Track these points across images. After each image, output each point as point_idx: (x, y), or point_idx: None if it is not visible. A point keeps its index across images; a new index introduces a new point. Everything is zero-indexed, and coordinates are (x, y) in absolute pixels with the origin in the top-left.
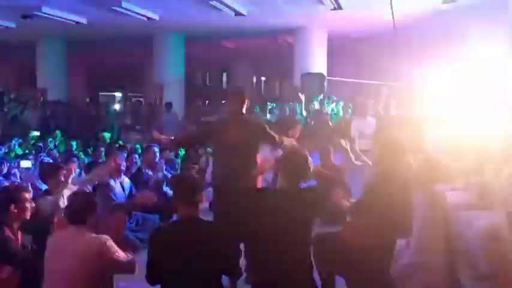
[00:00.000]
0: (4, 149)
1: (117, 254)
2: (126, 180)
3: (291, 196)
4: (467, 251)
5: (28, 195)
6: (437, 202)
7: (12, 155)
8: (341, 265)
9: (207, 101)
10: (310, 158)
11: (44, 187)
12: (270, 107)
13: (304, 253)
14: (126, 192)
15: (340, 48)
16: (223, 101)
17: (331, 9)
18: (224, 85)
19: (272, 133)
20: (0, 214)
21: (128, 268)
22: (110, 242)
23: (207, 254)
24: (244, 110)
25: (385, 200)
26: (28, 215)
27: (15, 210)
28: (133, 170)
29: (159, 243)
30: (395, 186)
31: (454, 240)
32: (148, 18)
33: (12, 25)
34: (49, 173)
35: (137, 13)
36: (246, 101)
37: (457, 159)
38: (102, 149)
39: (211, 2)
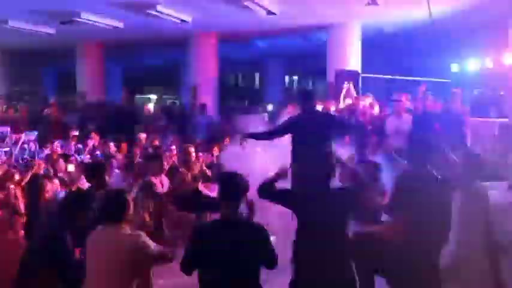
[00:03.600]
0: (46, 151)
1: (151, 248)
2: (165, 179)
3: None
4: None
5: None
6: (478, 200)
7: (55, 156)
8: (381, 265)
9: (239, 101)
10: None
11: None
12: None
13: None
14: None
15: (375, 44)
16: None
17: (366, 5)
18: (257, 85)
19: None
20: (70, 219)
21: (164, 259)
22: (144, 238)
23: (246, 253)
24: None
25: (418, 199)
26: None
27: (82, 215)
28: None
29: (199, 239)
30: (428, 185)
31: (498, 241)
32: (182, 21)
33: (52, 31)
34: (95, 172)
35: (171, 16)
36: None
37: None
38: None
39: (243, 2)
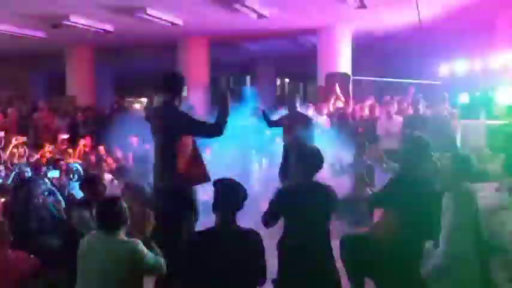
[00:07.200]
0: (36, 156)
1: (147, 257)
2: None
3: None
4: (502, 251)
5: None
6: (467, 201)
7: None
8: (370, 266)
9: (231, 104)
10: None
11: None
12: None
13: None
14: None
15: (365, 47)
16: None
17: (355, 8)
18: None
19: None
20: None
21: (157, 270)
22: (141, 246)
23: (240, 261)
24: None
25: (409, 201)
26: None
27: None
28: None
29: (195, 249)
30: (420, 186)
31: (487, 241)
32: (173, 24)
33: (42, 35)
34: (89, 183)
35: (161, 19)
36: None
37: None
38: (130, 153)
39: (234, 5)
